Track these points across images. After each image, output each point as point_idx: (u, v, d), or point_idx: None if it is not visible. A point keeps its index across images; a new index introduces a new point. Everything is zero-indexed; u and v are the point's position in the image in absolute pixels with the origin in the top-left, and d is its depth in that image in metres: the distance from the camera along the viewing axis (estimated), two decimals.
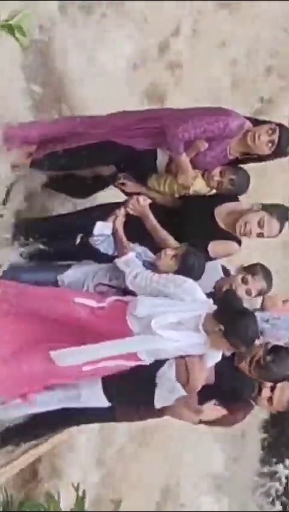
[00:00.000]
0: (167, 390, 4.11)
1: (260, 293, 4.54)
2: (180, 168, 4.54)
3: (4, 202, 4.79)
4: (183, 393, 4.08)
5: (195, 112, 4.52)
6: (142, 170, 4.71)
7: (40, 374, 4.08)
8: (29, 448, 4.75)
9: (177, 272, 4.18)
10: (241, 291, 4.44)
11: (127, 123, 4.55)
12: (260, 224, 4.49)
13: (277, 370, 4.15)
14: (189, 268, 4.20)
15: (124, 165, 4.70)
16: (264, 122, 4.57)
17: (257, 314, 4.27)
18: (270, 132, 4.45)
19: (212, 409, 4.23)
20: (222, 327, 3.93)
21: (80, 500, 4.62)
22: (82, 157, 4.61)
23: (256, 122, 4.55)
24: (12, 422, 4.40)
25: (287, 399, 4.33)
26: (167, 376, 4.09)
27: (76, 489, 4.62)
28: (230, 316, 3.98)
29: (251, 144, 4.48)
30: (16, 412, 4.28)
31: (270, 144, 4.46)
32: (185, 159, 4.50)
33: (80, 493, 4.60)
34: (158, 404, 4.15)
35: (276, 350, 4.17)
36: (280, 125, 4.51)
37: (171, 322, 3.98)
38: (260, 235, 4.52)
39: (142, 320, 3.98)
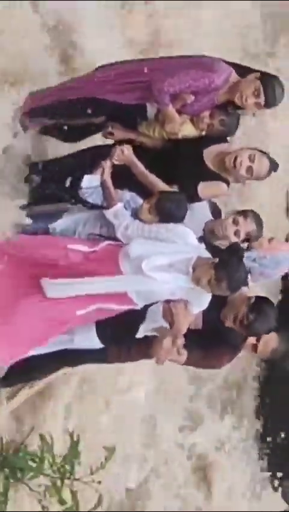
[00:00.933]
0: (151, 321, 4.20)
1: (248, 236, 4.56)
2: (167, 118, 4.60)
3: None
4: (163, 323, 4.15)
5: (181, 65, 4.58)
6: (132, 121, 4.79)
7: (37, 321, 4.17)
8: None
9: (160, 222, 4.27)
10: (230, 231, 4.51)
11: (113, 75, 4.65)
12: (250, 158, 4.55)
13: (261, 327, 4.24)
14: (167, 213, 4.26)
15: (115, 117, 4.78)
16: (250, 71, 4.63)
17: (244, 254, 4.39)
18: (256, 93, 4.51)
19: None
20: (216, 260, 4.03)
21: (74, 445, 4.66)
22: (75, 110, 4.75)
23: (242, 70, 4.61)
24: None
25: (270, 350, 4.51)
26: (153, 311, 4.19)
27: (71, 435, 4.66)
28: (228, 254, 4.09)
29: (239, 104, 4.56)
30: None
31: (257, 106, 4.55)
32: (171, 109, 4.56)
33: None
34: (139, 334, 4.23)
35: (258, 305, 4.22)
36: (263, 81, 4.53)
37: (161, 264, 4.07)
38: (249, 169, 4.56)
39: (134, 261, 4.07)
